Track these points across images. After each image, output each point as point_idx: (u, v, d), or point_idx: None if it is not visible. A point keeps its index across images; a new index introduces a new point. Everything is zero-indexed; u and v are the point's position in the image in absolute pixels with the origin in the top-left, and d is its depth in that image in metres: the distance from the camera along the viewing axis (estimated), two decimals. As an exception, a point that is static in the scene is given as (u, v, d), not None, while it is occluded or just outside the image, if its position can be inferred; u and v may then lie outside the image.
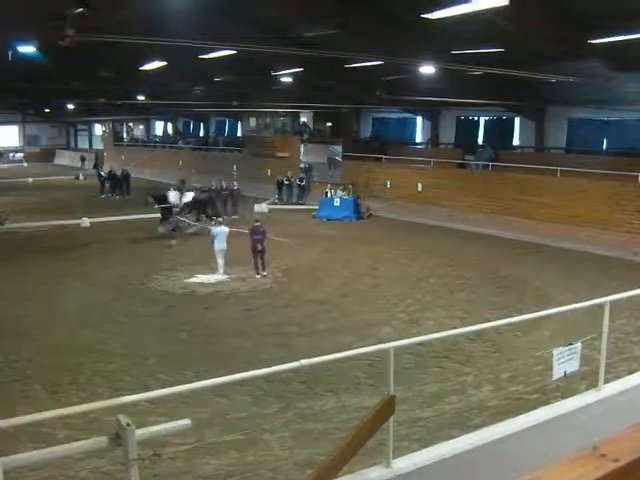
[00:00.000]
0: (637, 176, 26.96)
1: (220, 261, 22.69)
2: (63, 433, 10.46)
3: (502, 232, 30.39)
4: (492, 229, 30.99)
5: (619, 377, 10.02)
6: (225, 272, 22.77)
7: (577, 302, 9.69)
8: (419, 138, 46.64)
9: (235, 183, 38.20)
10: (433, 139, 43.80)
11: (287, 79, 36.55)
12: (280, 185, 42.38)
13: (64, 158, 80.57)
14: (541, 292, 20.63)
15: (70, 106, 57.44)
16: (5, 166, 68.85)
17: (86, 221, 32.91)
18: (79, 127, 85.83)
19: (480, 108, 37.68)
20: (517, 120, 39.12)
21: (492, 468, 7.38)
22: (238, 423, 11.31)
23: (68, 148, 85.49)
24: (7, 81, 37.41)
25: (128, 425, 5.48)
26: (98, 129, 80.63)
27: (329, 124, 50.75)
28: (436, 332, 11.43)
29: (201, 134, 66.63)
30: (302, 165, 44.38)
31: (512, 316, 13.30)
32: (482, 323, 10.99)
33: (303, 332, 16.88)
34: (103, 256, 26.66)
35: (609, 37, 22.23)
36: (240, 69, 35.01)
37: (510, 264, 24.86)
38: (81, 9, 16.95)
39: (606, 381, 8.82)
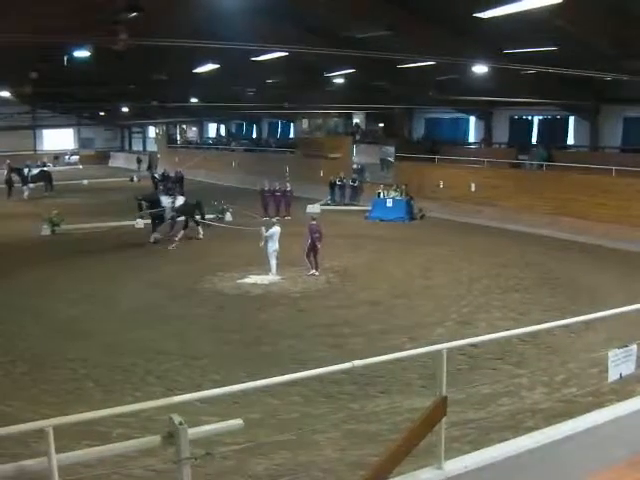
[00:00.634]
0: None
1: (273, 262, 22.76)
2: (117, 431, 10.57)
3: (556, 232, 30.07)
4: (546, 229, 30.66)
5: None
6: (277, 273, 22.84)
7: (632, 303, 9.54)
8: (472, 138, 46.25)
9: (288, 184, 38.27)
10: (486, 139, 43.43)
11: (339, 80, 36.57)
12: (332, 186, 42.43)
13: (118, 160, 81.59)
14: (595, 293, 20.33)
15: (124, 109, 58.06)
16: (61, 169, 69.81)
17: (140, 222, 33.22)
18: (133, 130, 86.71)
19: (533, 107, 37.30)
20: (571, 119, 38.59)
21: (545, 472, 7.29)
22: (289, 423, 11.33)
23: (122, 150, 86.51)
24: (63, 85, 37.99)
25: (181, 424, 5.53)
26: (152, 131, 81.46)
27: (381, 125, 50.66)
28: (489, 333, 11.36)
29: (253, 136, 66.93)
30: (354, 166, 44.38)
31: (566, 317, 13.14)
32: (536, 324, 10.85)
33: (355, 333, 16.83)
34: (157, 256, 26.97)
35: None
36: (292, 71, 35.14)
37: (564, 265, 24.58)
38: (135, 14, 17.12)
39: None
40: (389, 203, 37.05)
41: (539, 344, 15.29)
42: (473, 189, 36.30)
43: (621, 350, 7.97)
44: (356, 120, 51.86)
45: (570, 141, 39.23)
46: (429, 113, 48.02)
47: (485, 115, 43.05)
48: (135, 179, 59.71)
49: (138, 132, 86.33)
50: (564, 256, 26.15)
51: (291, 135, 60.74)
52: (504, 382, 12.95)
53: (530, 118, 41.20)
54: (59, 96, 50.10)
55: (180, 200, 30.33)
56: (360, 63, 30.59)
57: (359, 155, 45.36)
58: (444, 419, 6.82)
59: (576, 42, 24.06)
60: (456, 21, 25.02)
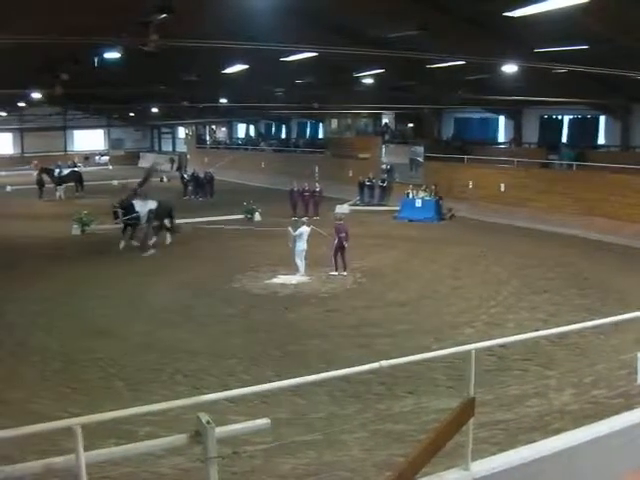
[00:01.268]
0: None
1: (301, 262, 22.80)
2: (144, 430, 10.65)
3: (586, 233, 29.85)
4: (576, 230, 30.44)
5: None
6: (306, 273, 22.87)
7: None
8: (502, 138, 46.00)
9: (317, 184, 38.29)
10: (516, 138, 43.20)
11: (368, 80, 36.51)
12: (362, 186, 42.42)
13: (148, 161, 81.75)
14: (626, 294, 20.14)
15: (154, 110, 58.36)
16: (91, 169, 70.34)
17: (166, 222, 33.37)
18: (163, 130, 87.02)
19: (564, 107, 37.02)
20: (602, 118, 38.31)
21: (573, 474, 7.26)
22: (316, 423, 11.35)
23: (152, 151, 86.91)
24: (93, 87, 38.29)
25: (208, 423, 5.57)
26: (181, 132, 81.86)
27: (411, 125, 50.53)
28: (518, 334, 11.31)
29: (283, 136, 67.04)
30: (384, 166, 44.31)
31: (595, 318, 13.05)
32: (565, 325, 10.80)
33: (383, 333, 16.81)
34: (185, 257, 27.10)
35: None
36: (321, 71, 35.12)
37: (594, 265, 24.40)
38: (164, 15, 17.17)
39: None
40: (418, 203, 36.96)
41: (568, 345, 15.19)
42: (503, 189, 36.13)
43: (651, 352, 7.92)
44: (385, 120, 51.75)
45: (601, 141, 38.95)
46: (458, 113, 47.82)
47: (515, 115, 42.83)
48: (165, 179, 60.00)
49: (167, 133, 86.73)
50: (594, 257, 25.97)
51: (320, 135, 60.77)
52: (533, 383, 12.88)
53: (560, 117, 40.93)
54: (89, 97, 50.49)
55: (153, 204, 28.90)
56: (389, 63, 30.49)
57: (388, 155, 45.27)
58: (472, 420, 6.81)
59: (606, 41, 23.87)
60: (486, 20, 24.89)
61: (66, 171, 50.59)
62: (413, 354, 7.65)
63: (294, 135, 65.04)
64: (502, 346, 13.53)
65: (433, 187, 37.48)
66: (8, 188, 54.84)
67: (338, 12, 26.90)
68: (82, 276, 23.65)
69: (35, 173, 50.91)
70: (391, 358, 6.92)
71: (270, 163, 57.83)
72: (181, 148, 79.24)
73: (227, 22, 25.21)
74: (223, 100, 46.94)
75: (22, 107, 57.56)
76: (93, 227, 32.86)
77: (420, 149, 42.66)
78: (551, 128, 41.23)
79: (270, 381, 10.65)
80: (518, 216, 33.98)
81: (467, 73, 31.92)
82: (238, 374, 14.06)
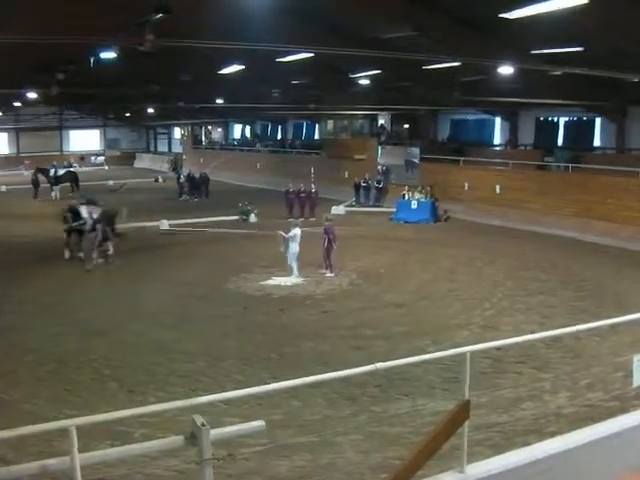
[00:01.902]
0: None
1: (295, 264, 22.77)
2: (139, 432, 10.63)
3: (582, 235, 29.85)
4: (572, 232, 30.43)
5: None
6: (300, 274, 22.84)
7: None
8: (497, 139, 46.12)
9: (313, 186, 38.30)
10: (512, 140, 43.25)
11: (365, 81, 36.51)
12: (358, 187, 42.47)
13: (144, 161, 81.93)
14: (621, 297, 20.15)
15: (150, 110, 58.32)
16: (87, 169, 70.33)
17: (165, 223, 33.36)
18: (159, 131, 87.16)
19: (560, 109, 37.13)
20: (598, 121, 38.38)
21: (568, 477, 7.25)
22: (312, 425, 11.33)
23: (148, 151, 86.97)
24: (89, 87, 38.21)
25: (203, 425, 5.56)
26: (177, 133, 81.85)
27: (407, 126, 50.61)
28: (513, 337, 11.30)
29: (279, 137, 67.05)
30: (379, 167, 44.33)
31: (591, 321, 13.05)
32: (560, 328, 10.78)
33: (378, 335, 16.79)
34: (181, 257, 27.09)
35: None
36: (317, 72, 35.11)
37: (590, 268, 24.40)
38: (161, 15, 17.12)
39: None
40: (414, 205, 36.96)
41: (563, 347, 15.18)
42: (498, 191, 36.13)
43: (647, 354, 7.92)
44: (381, 121, 51.79)
45: (597, 143, 39.01)
46: (454, 114, 47.91)
47: (511, 116, 42.91)
48: (160, 180, 59.97)
49: (163, 133, 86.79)
50: (590, 259, 25.98)
51: (316, 136, 60.83)
52: (528, 386, 12.86)
53: (556, 119, 41.03)
54: (86, 97, 50.41)
55: (97, 210, 27.34)
56: (386, 64, 30.49)
57: (384, 156, 45.29)
58: (467, 422, 6.80)
59: (603, 43, 23.90)
60: (483, 22, 24.91)
61: (62, 171, 50.62)
62: (409, 356, 7.64)
63: (290, 136, 65.11)
64: (497, 348, 13.52)
65: (429, 188, 37.50)
66: (3, 188, 54.87)
67: (335, 12, 26.87)
68: (74, 277, 23.65)
69: (27, 173, 50.88)
70: (387, 360, 6.91)
71: (266, 164, 57.85)
72: (177, 149, 79.25)
73: (223, 22, 25.17)
74: (219, 100, 46.94)
75: (18, 107, 57.65)
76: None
77: (416, 150, 42.70)
78: (547, 130, 41.32)
79: (266, 383, 10.64)
80: (513, 218, 33.98)
81: (463, 74, 31.92)
82: (233, 375, 14.03)
